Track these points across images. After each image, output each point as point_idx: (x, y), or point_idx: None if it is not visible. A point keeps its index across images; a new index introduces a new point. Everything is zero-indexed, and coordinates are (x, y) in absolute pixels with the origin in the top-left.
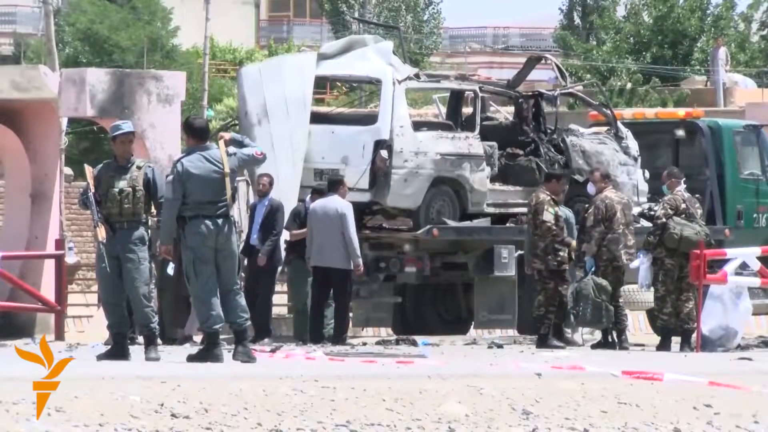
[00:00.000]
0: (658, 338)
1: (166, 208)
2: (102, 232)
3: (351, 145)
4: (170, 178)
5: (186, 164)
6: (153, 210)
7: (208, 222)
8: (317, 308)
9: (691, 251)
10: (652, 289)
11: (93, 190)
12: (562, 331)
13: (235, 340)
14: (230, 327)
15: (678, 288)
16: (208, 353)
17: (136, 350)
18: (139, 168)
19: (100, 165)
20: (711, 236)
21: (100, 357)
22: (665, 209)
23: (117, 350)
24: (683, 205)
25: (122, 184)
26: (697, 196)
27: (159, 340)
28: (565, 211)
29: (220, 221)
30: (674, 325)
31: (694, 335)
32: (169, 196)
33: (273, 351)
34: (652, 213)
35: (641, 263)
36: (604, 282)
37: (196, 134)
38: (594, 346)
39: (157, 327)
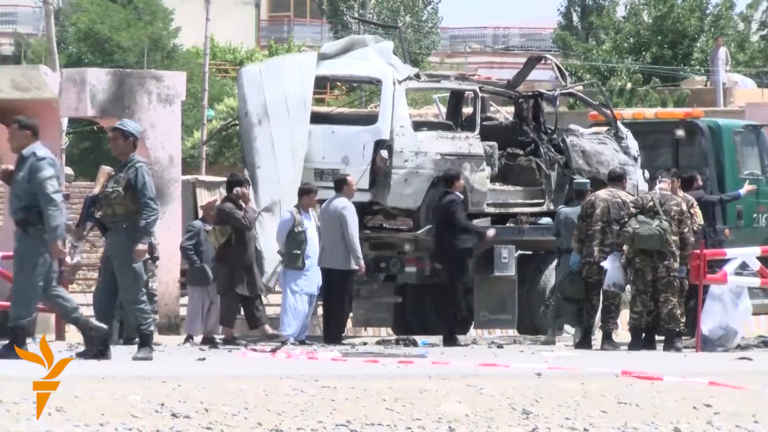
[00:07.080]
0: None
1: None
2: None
3: (351, 145)
4: None
5: None
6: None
7: None
8: (326, 309)
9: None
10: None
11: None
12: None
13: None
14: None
15: (654, 288)
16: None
17: (135, 350)
18: (131, 168)
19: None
20: (667, 233)
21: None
22: (628, 209)
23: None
24: (651, 204)
25: (114, 184)
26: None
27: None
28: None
29: None
30: (645, 324)
31: (686, 339)
32: None
33: (274, 351)
34: None
35: (609, 263)
36: (567, 287)
37: None
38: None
39: (150, 328)
